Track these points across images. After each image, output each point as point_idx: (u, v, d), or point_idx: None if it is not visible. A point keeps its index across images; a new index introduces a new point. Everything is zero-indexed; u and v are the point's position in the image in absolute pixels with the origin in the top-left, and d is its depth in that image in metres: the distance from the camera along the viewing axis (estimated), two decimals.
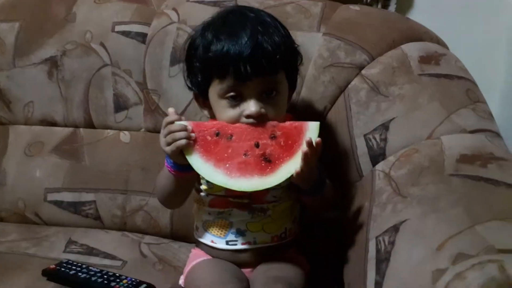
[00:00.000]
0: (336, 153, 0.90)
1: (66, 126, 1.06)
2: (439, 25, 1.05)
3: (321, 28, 0.94)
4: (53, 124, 1.07)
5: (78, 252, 0.92)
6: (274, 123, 0.73)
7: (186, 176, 0.75)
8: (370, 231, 0.74)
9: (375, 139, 0.86)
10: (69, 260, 0.84)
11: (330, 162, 0.91)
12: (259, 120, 0.72)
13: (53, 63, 1.04)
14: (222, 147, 0.71)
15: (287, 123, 0.73)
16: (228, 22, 0.75)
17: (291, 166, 0.70)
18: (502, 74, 1.22)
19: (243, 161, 0.70)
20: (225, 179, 0.70)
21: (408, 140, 0.82)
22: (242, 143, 0.71)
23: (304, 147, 0.69)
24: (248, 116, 0.72)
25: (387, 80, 0.88)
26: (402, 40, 0.93)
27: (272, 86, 0.74)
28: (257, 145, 0.71)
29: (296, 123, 0.73)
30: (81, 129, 1.05)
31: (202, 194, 0.80)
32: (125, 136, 1.04)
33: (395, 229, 0.68)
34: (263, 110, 0.72)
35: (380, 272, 0.65)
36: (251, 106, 0.72)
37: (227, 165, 0.70)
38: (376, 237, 0.71)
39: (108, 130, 1.05)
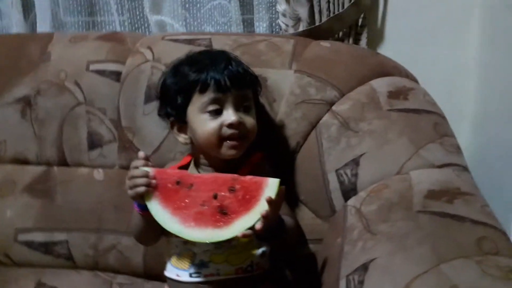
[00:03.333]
0: (309, 188, 0.91)
1: (39, 164, 1.05)
2: (409, 57, 1.07)
3: (292, 66, 0.96)
4: (26, 162, 1.06)
5: None
6: (235, 176, 0.74)
7: (151, 215, 0.75)
8: (342, 269, 0.73)
9: (346, 174, 0.86)
10: None
11: (303, 197, 0.92)
12: (239, 130, 0.78)
13: (26, 103, 1.04)
14: (181, 196, 0.73)
15: (247, 178, 0.74)
16: (202, 54, 0.86)
17: (246, 222, 0.71)
18: (472, 103, 1.24)
19: (200, 211, 0.72)
20: (180, 228, 0.71)
21: (378, 176, 0.83)
22: (201, 193, 0.73)
23: (263, 208, 0.69)
24: (229, 125, 0.77)
25: (357, 116, 0.89)
26: (371, 75, 0.95)
27: (247, 100, 0.81)
28: (215, 197, 0.73)
29: (256, 179, 0.73)
30: (54, 167, 1.04)
31: None
32: (98, 173, 1.03)
33: (364, 268, 0.68)
34: (241, 119, 0.78)
35: None
36: (231, 116, 0.78)
37: (184, 214, 0.72)
38: (347, 276, 0.70)
39: (82, 168, 1.04)
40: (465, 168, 0.83)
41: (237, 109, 0.79)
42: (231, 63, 0.81)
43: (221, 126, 0.77)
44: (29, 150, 1.05)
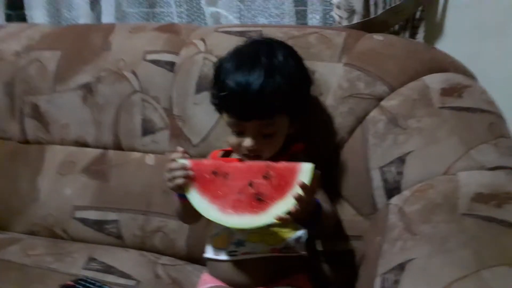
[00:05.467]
0: (351, 185, 0.90)
1: (97, 147, 1.12)
2: (470, 53, 1.01)
3: (342, 59, 0.94)
4: (85, 145, 1.13)
5: (97, 270, 0.95)
6: (269, 163, 0.76)
7: (189, 203, 0.79)
8: (378, 267, 0.72)
9: (391, 172, 0.84)
10: (86, 277, 0.88)
11: (345, 193, 0.91)
12: (255, 152, 0.80)
13: (88, 89, 1.11)
14: (218, 185, 0.76)
15: (281, 164, 0.75)
16: (241, 61, 0.81)
17: (282, 207, 0.72)
18: None
19: (237, 199, 0.74)
20: (218, 215, 0.74)
21: (424, 175, 0.80)
22: (237, 182, 0.75)
23: (296, 191, 0.71)
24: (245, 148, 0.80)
25: (406, 112, 0.86)
26: (424, 71, 0.91)
27: (269, 128, 0.80)
28: (250, 184, 0.74)
29: (289, 164, 0.74)
30: (110, 151, 1.11)
31: None
32: (150, 159, 1.08)
33: (401, 267, 0.66)
34: (256, 147, 0.80)
35: None
36: (246, 143, 0.80)
37: (221, 202, 0.75)
38: (383, 274, 0.69)
39: (135, 153, 1.09)
40: None
41: (256, 135, 0.79)
42: (261, 85, 0.76)
43: (240, 145, 0.81)
44: (88, 134, 1.12)
